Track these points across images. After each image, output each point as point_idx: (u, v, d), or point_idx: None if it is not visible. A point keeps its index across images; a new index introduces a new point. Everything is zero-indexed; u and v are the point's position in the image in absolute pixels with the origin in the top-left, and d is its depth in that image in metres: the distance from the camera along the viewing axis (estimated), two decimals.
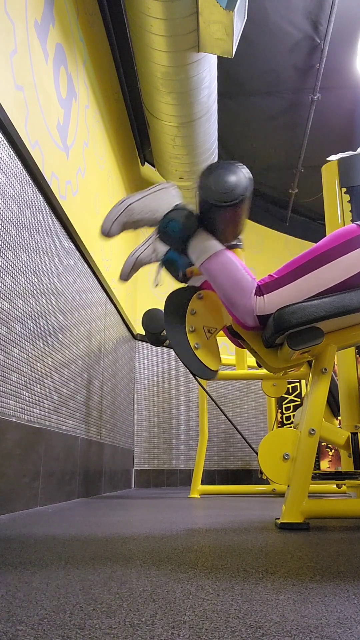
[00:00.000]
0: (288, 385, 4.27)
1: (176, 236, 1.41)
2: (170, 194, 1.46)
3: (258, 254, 6.09)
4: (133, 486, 4.66)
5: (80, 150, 3.04)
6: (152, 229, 1.49)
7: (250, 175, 1.36)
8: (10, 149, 1.95)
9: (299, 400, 4.31)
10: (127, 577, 0.75)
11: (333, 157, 2.16)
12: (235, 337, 1.54)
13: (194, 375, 1.51)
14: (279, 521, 1.37)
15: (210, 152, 4.21)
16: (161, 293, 4.85)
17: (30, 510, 1.93)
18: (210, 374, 1.49)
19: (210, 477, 5.04)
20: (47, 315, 2.31)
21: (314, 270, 1.35)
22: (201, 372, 1.48)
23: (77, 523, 1.51)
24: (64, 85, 2.72)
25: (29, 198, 2.12)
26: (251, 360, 3.42)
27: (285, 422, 4.31)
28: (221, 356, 1.61)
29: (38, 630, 0.50)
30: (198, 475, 3.34)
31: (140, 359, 5.03)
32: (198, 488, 3.30)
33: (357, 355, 2.07)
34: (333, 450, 3.79)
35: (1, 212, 1.85)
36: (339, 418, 2.45)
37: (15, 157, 2.00)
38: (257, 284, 1.40)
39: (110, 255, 3.78)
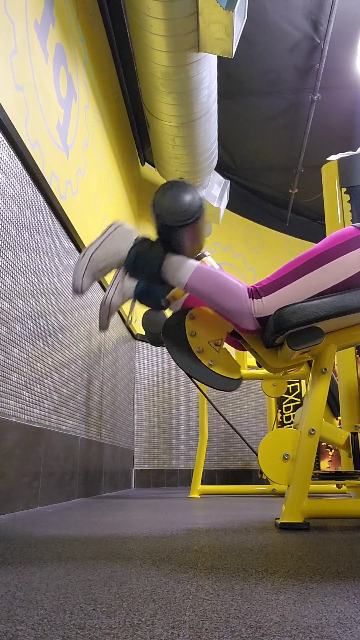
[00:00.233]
0: (288, 385, 4.27)
1: (148, 269, 1.40)
2: (125, 231, 1.44)
3: (258, 254, 6.09)
4: (133, 486, 4.66)
5: (80, 150, 3.04)
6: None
7: (198, 188, 1.38)
8: (10, 149, 1.95)
9: (299, 400, 4.31)
10: (127, 577, 0.75)
11: (333, 157, 2.16)
12: (235, 337, 1.54)
13: (194, 382, 1.51)
14: (279, 521, 1.37)
15: (210, 152, 4.21)
16: None
17: (30, 510, 1.93)
18: (236, 384, 1.48)
19: (210, 477, 5.03)
20: (47, 315, 2.31)
21: (313, 271, 1.35)
22: (227, 385, 1.47)
23: (77, 523, 1.51)
24: (64, 85, 2.72)
25: (29, 198, 2.12)
26: (251, 360, 3.42)
27: (285, 422, 4.31)
28: None
29: (38, 630, 0.50)
30: (198, 475, 3.34)
31: (140, 359, 5.03)
32: (198, 488, 3.30)
33: (357, 355, 2.07)
34: (333, 450, 3.79)
35: (1, 212, 1.85)
36: (339, 418, 2.45)
37: (15, 157, 2.00)
38: (251, 287, 1.40)
39: None
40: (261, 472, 3.09)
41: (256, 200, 6.20)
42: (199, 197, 1.35)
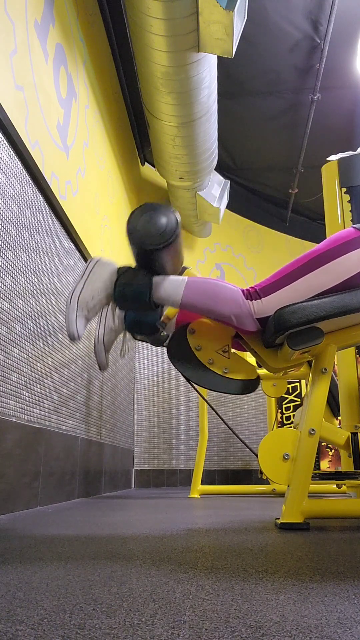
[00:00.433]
0: (288, 385, 4.27)
1: (139, 297, 1.38)
2: (105, 264, 1.43)
3: (258, 254, 6.09)
4: (133, 486, 4.66)
5: (80, 150, 3.04)
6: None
7: (173, 208, 1.38)
8: (10, 149, 1.95)
9: (299, 400, 4.31)
10: (127, 577, 0.75)
11: (333, 157, 2.16)
12: (235, 337, 1.54)
13: (192, 385, 1.50)
14: (279, 521, 1.37)
15: (210, 152, 4.21)
16: None
17: (30, 510, 1.93)
18: (254, 385, 1.48)
19: (210, 477, 5.03)
20: (47, 315, 2.31)
21: (312, 271, 1.36)
22: (247, 388, 1.47)
23: (77, 523, 1.51)
24: (64, 85, 2.72)
25: (29, 198, 2.12)
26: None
27: (285, 422, 4.31)
28: None
29: (38, 630, 0.50)
30: (198, 475, 3.34)
31: (140, 359, 5.03)
32: (198, 488, 3.30)
33: (357, 355, 2.07)
34: (333, 450, 3.79)
35: (1, 212, 1.85)
36: (339, 418, 2.45)
37: (15, 157, 2.00)
38: (250, 288, 1.41)
39: (111, 255, 3.77)
40: (261, 472, 3.09)
41: (256, 200, 6.20)
42: (174, 216, 1.34)
